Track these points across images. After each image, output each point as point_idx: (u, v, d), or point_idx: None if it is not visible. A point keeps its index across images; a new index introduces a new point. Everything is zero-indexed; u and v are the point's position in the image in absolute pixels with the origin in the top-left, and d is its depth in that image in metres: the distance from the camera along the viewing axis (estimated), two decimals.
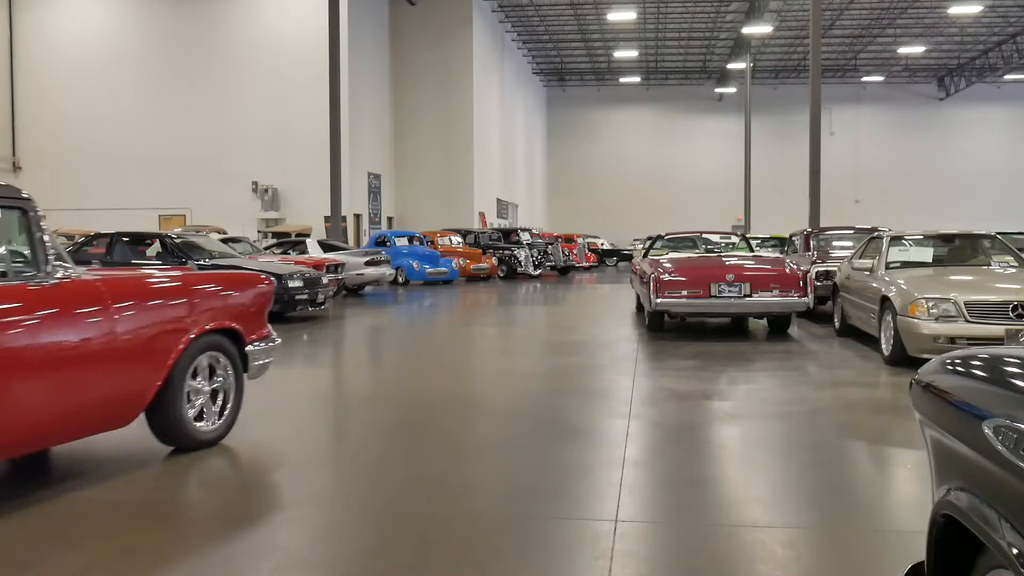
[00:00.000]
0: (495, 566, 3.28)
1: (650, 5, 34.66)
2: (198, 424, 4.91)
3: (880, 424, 5.79)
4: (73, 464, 4.71)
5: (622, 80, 48.94)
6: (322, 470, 4.71)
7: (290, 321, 12.63)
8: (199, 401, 4.93)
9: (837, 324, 10.60)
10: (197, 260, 12.44)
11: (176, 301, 4.70)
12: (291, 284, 12.22)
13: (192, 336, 4.74)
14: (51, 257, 4.07)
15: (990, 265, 9.27)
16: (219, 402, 5.09)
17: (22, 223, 4.04)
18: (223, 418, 5.11)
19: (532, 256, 25.89)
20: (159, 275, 4.84)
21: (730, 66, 42.69)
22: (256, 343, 5.30)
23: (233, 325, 5.07)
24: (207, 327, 4.85)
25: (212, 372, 5.04)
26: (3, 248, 3.88)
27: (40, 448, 4.42)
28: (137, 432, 4.83)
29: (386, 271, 18.74)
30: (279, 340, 5.68)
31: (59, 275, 4.08)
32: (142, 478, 4.46)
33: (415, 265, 21.40)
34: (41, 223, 4.07)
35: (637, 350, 9.32)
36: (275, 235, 21.78)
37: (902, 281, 8.21)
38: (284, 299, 12.17)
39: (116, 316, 4.26)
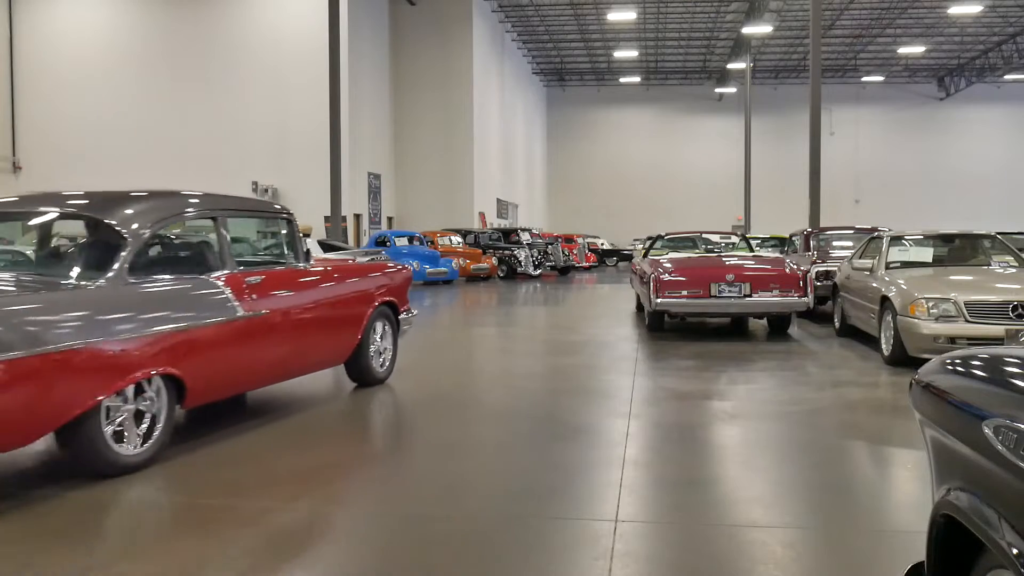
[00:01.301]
0: (495, 566, 3.28)
1: (650, 5, 34.65)
2: (376, 367, 6.97)
3: (880, 424, 5.79)
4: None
5: (622, 80, 48.93)
6: (316, 471, 4.70)
7: None
8: (374, 351, 6.93)
9: (837, 324, 10.60)
10: None
11: (367, 280, 6.75)
12: None
13: (375, 304, 6.77)
14: (304, 250, 6.10)
15: (990, 265, 9.27)
16: (385, 352, 7.15)
17: (287, 228, 6.09)
18: (389, 364, 7.21)
19: (532, 256, 25.88)
20: (356, 264, 7.02)
21: (730, 66, 42.68)
22: (404, 313, 7.33)
23: (392, 299, 7.08)
24: (380, 300, 6.85)
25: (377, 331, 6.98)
26: (282, 245, 6.08)
27: (308, 373, 6.39)
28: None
29: None
30: (416, 312, 7.66)
31: (307, 263, 6.11)
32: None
33: (415, 265, 21.39)
34: (297, 228, 6.13)
35: (637, 350, 9.32)
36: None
37: (902, 281, 8.21)
38: None
39: (341, 289, 6.36)
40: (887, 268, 9.02)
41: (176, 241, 5.46)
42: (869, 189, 49.30)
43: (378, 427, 5.94)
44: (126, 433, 4.42)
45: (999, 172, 49.41)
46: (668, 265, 10.60)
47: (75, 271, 4.61)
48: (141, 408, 4.53)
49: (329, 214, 21.92)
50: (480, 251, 24.99)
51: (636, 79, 48.55)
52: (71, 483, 4.33)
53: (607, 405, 6.34)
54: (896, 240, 9.61)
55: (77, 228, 5.21)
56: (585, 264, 32.92)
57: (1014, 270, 8.78)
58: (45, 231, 5.33)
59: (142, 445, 4.51)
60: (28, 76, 26.57)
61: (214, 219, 5.34)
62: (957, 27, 38.46)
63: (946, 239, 9.89)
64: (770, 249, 19.12)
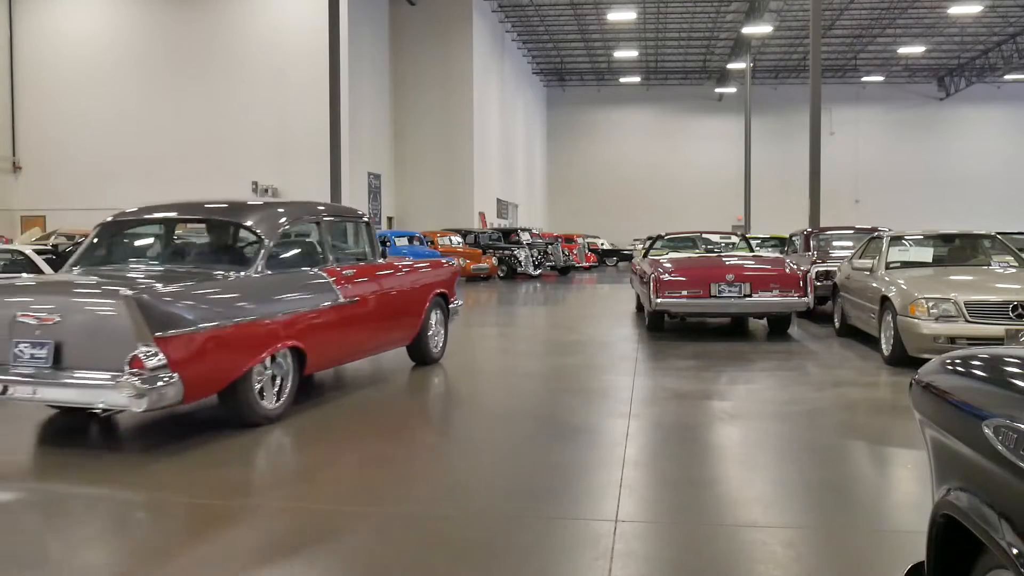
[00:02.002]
0: (495, 566, 3.28)
1: (650, 5, 34.64)
2: (432, 348, 8.12)
3: (880, 424, 5.79)
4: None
5: (622, 80, 48.90)
6: (317, 470, 4.70)
7: None
8: (431, 334, 8.07)
9: (837, 324, 10.60)
10: None
11: (426, 274, 7.91)
12: None
13: (432, 294, 7.91)
14: (377, 249, 7.41)
15: (990, 265, 9.26)
16: (439, 336, 8.29)
17: (366, 230, 7.39)
18: (442, 346, 8.38)
19: (532, 256, 25.86)
20: (416, 260, 8.26)
21: (730, 66, 42.67)
22: (453, 303, 8.46)
23: (444, 290, 8.20)
24: (435, 291, 7.98)
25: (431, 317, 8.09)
26: (363, 244, 7.32)
27: (384, 351, 7.57)
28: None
29: None
30: (462, 302, 8.85)
31: (380, 259, 7.40)
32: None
33: None
34: (374, 230, 7.44)
35: (637, 350, 9.32)
36: None
37: (902, 281, 8.21)
38: None
39: (408, 280, 7.53)
40: (887, 268, 9.02)
41: (293, 240, 6.54)
42: (869, 189, 49.27)
43: (374, 428, 5.93)
44: (264, 392, 5.57)
45: (999, 172, 49.38)
46: (668, 265, 10.60)
47: (225, 265, 5.88)
48: (275, 373, 5.69)
49: None
50: (480, 251, 24.97)
51: (636, 79, 48.53)
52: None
53: (607, 405, 6.34)
54: (896, 240, 9.60)
55: (212, 230, 6.68)
56: (585, 264, 32.89)
57: (1014, 270, 8.78)
58: (191, 232, 6.93)
59: (277, 402, 5.68)
60: (28, 76, 26.57)
61: (318, 223, 6.60)
62: (957, 27, 38.45)
63: (946, 239, 9.88)
64: (770, 249, 19.11)
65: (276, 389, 5.69)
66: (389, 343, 7.42)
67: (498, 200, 37.31)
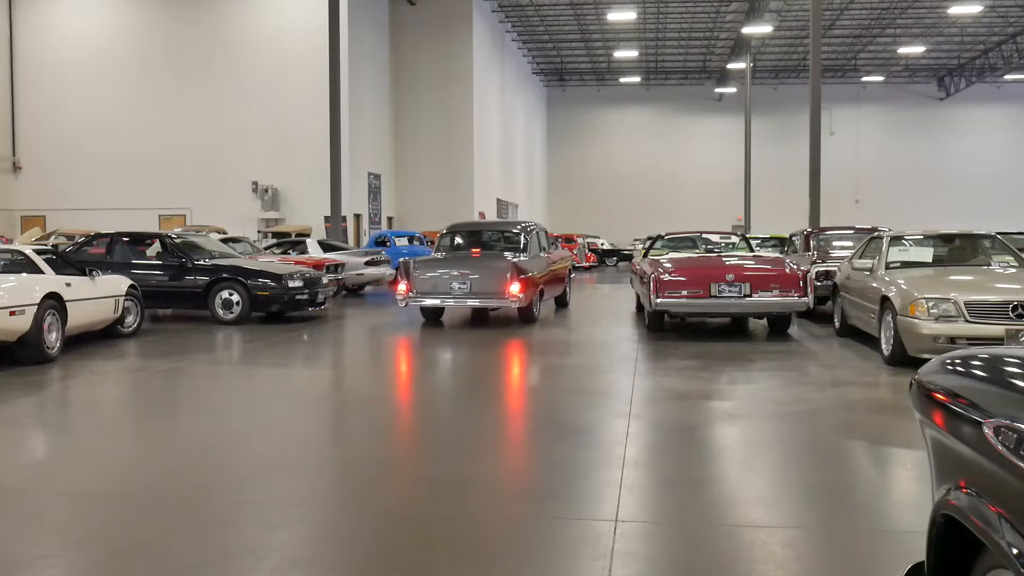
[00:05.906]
0: (495, 566, 3.28)
1: (650, 5, 34.65)
2: (568, 299, 14.90)
3: (880, 424, 5.79)
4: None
5: (622, 80, 48.90)
6: (318, 471, 4.71)
7: (290, 321, 12.63)
8: (567, 292, 14.66)
9: (837, 324, 10.60)
10: (198, 260, 12.45)
11: (566, 254, 15.05)
12: (291, 284, 12.23)
13: (568, 268, 14.63)
14: (549, 247, 13.75)
15: (990, 265, 9.26)
16: (570, 293, 15.25)
17: (545, 234, 13.71)
18: (570, 298, 15.17)
19: None
20: (559, 250, 15.43)
21: (730, 66, 42.68)
22: (571, 274, 15.20)
23: (570, 268, 14.87)
24: (567, 268, 14.48)
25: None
26: (547, 242, 13.78)
27: (553, 297, 13.72)
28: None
29: (386, 271, 18.73)
30: (573, 274, 16.30)
31: (551, 251, 13.86)
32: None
33: None
34: (547, 233, 14.16)
35: (637, 350, 9.32)
36: (275, 235, 21.77)
37: (902, 281, 8.20)
38: (284, 299, 12.16)
39: (561, 259, 14.13)
40: (887, 268, 9.02)
41: (533, 239, 12.51)
42: (869, 189, 49.29)
43: (380, 424, 5.94)
44: (536, 308, 11.97)
45: (999, 172, 49.39)
46: (668, 265, 10.60)
47: (514, 252, 12.16)
48: (538, 299, 12.04)
49: (329, 214, 21.91)
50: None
51: (636, 79, 48.53)
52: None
53: (607, 405, 6.34)
54: (896, 240, 9.60)
55: (503, 233, 13.21)
56: (585, 264, 32.90)
57: (1014, 270, 8.77)
58: (479, 236, 13.29)
59: (539, 314, 12.19)
60: (28, 76, 26.58)
61: (536, 231, 12.92)
62: (957, 27, 38.46)
63: (946, 239, 9.88)
64: (770, 249, 19.10)
65: (537, 308, 12.02)
66: (556, 292, 13.56)
67: (498, 200, 37.31)
